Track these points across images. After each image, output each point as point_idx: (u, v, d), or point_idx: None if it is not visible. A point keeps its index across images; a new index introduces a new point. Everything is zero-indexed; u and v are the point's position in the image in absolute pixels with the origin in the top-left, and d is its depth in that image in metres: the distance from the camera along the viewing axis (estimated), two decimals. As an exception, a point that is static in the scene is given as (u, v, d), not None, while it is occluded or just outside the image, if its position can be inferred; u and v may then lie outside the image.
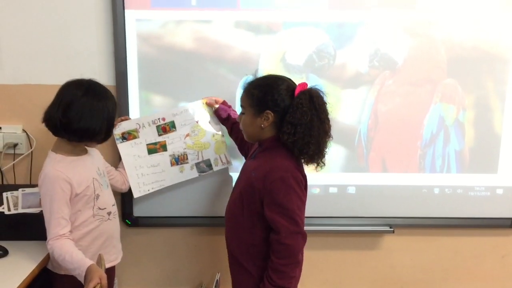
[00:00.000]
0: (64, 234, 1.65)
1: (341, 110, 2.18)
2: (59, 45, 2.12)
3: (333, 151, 2.19)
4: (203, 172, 2.09)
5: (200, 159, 2.08)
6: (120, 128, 2.01)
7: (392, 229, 2.30)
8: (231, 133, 2.06)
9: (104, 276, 1.55)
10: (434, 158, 2.24)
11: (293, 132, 1.58)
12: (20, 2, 2.08)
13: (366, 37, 2.12)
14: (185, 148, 2.06)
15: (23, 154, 2.18)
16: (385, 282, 2.46)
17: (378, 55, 2.14)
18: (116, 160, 2.14)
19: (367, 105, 2.18)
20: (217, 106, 2.06)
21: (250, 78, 1.74)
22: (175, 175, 2.07)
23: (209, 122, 2.08)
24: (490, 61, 2.17)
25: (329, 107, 1.65)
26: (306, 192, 1.70)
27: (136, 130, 2.03)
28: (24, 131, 2.16)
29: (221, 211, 2.07)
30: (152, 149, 2.04)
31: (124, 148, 2.02)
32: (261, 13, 2.09)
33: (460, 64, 2.16)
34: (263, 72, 2.09)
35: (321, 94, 1.63)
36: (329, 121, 1.65)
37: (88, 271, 1.55)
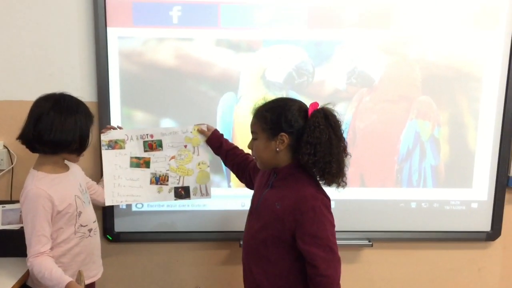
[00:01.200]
0: (45, 251, 1.65)
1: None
2: (41, 61, 2.13)
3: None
4: (180, 198, 2.06)
5: (180, 184, 2.05)
6: (108, 136, 2.00)
7: (370, 243, 2.33)
8: (226, 162, 1.99)
9: None
10: (411, 172, 2.29)
11: (313, 152, 1.52)
12: (2, 18, 2.09)
13: (343, 55, 2.18)
14: (167, 170, 2.04)
15: (3, 170, 2.17)
16: (365, 296, 2.49)
17: (356, 73, 2.20)
18: (98, 174, 2.16)
19: (345, 121, 2.23)
20: (208, 134, 2.00)
21: (259, 103, 1.68)
22: (151, 194, 2.04)
23: (198, 150, 2.04)
24: (463, 79, 2.24)
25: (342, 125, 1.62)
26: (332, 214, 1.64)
27: (123, 141, 2.01)
28: (5, 147, 2.16)
29: (203, 226, 2.10)
30: (135, 163, 2.02)
31: (107, 155, 2.00)
32: (241, 31, 2.14)
33: (434, 82, 2.22)
34: (244, 89, 2.15)
35: (335, 113, 1.60)
36: (344, 139, 1.61)
37: (72, 286, 1.55)
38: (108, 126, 2.04)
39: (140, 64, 2.13)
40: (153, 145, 2.03)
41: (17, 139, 1.71)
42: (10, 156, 2.16)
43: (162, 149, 2.03)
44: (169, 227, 2.26)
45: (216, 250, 2.37)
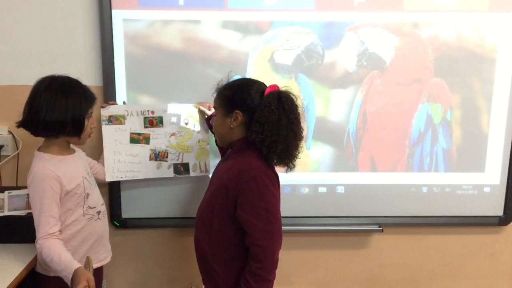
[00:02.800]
0: (54, 233, 1.64)
1: (330, 109, 2.19)
2: (45, 45, 2.10)
3: (322, 151, 2.21)
4: (179, 174, 2.08)
5: (180, 161, 2.07)
6: (108, 111, 2.00)
7: (381, 228, 2.31)
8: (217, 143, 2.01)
9: (92, 278, 1.54)
10: (422, 157, 2.25)
11: (261, 131, 1.57)
12: (5, 3, 2.06)
13: (354, 36, 2.13)
14: (167, 146, 2.05)
15: (9, 155, 2.15)
16: (375, 281, 2.47)
17: (366, 55, 2.15)
18: (98, 154, 2.14)
19: (356, 104, 2.19)
20: (209, 112, 2.04)
21: (223, 81, 1.75)
22: (151, 169, 2.06)
23: (198, 127, 2.08)
24: (476, 61, 2.19)
25: (301, 110, 1.65)
26: (279, 190, 1.68)
27: (123, 116, 2.01)
28: (10, 132, 2.14)
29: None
30: (135, 139, 2.03)
31: (107, 130, 2.01)
32: (249, 13, 2.09)
33: (447, 64, 2.17)
34: (251, 72, 2.11)
35: (291, 96, 1.63)
36: (299, 123, 1.64)
37: (75, 274, 1.53)
38: (110, 102, 2.04)
39: (146, 47, 2.09)
40: (153, 122, 2.04)
41: (16, 124, 1.70)
42: (16, 141, 2.14)
43: (162, 126, 2.04)
44: (176, 213, 2.24)
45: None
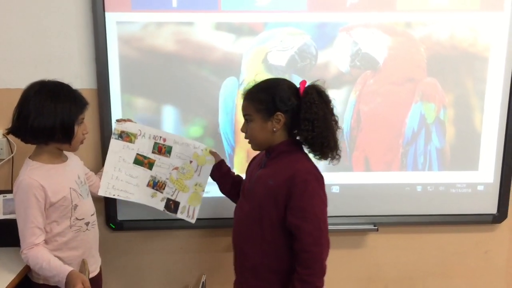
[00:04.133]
0: (39, 243, 1.63)
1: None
2: (39, 49, 2.10)
3: (317, 151, 2.21)
4: (168, 210, 2.03)
5: (173, 197, 2.02)
6: (122, 126, 1.97)
7: (376, 227, 2.31)
8: (224, 187, 1.96)
9: (86, 280, 1.53)
10: (416, 156, 2.26)
11: (312, 128, 1.55)
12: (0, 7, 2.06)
13: (347, 37, 2.14)
14: (167, 179, 2.00)
15: (3, 159, 2.15)
16: (370, 280, 2.48)
17: (359, 55, 2.16)
18: (98, 165, 2.13)
19: (349, 104, 2.19)
20: (217, 159, 1.96)
21: (250, 85, 1.70)
22: (144, 196, 2.02)
23: (200, 170, 1.98)
24: (469, 60, 2.20)
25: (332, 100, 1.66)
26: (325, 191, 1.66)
27: (135, 135, 1.98)
28: (4, 136, 2.13)
29: (206, 213, 2.08)
30: (140, 161, 1.99)
31: (115, 145, 1.97)
32: (242, 15, 2.09)
33: (439, 63, 2.19)
34: (246, 73, 2.12)
35: (323, 89, 1.64)
36: (334, 113, 1.65)
37: (69, 277, 1.52)
38: (127, 118, 2.01)
39: (140, 50, 2.09)
40: (162, 149, 1.99)
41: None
42: (10, 145, 2.14)
43: (169, 157, 1.99)
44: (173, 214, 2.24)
45: (220, 237, 2.35)
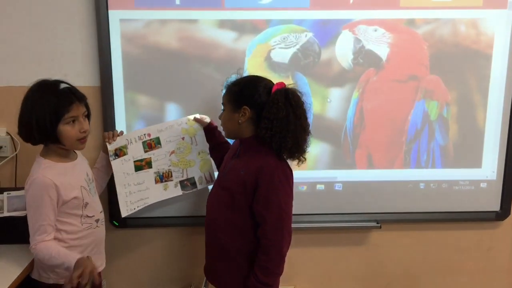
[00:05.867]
0: (50, 240, 1.64)
1: (327, 107, 2.19)
2: (42, 46, 2.10)
3: (320, 148, 2.22)
4: (186, 190, 2.06)
5: (185, 177, 2.05)
6: (113, 144, 1.95)
7: (379, 225, 2.32)
8: (213, 152, 2.06)
9: (94, 266, 1.54)
10: (419, 153, 2.26)
11: (270, 127, 1.64)
12: (2, 4, 2.06)
13: (350, 34, 2.14)
14: (169, 166, 2.03)
15: (7, 157, 2.15)
16: (373, 278, 2.48)
17: (362, 52, 2.16)
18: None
19: (353, 102, 2.20)
20: (205, 122, 2.04)
21: (234, 77, 1.80)
22: (159, 192, 2.03)
23: (196, 140, 2.05)
24: (472, 57, 2.20)
25: (306, 106, 1.71)
26: (292, 187, 1.76)
27: (125, 146, 1.97)
28: (8, 133, 2.14)
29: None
30: (139, 166, 1.99)
31: (116, 165, 1.95)
32: (245, 12, 2.09)
33: (442, 60, 2.18)
34: (249, 70, 2.12)
35: (298, 93, 1.70)
36: (306, 118, 1.71)
37: (77, 264, 1.54)
38: (109, 133, 1.95)
39: (143, 47, 2.10)
40: (152, 144, 2.00)
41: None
42: (14, 143, 2.14)
43: (161, 146, 2.01)
44: (176, 211, 2.25)
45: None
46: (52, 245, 1.62)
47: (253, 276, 1.71)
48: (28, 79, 2.04)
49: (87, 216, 1.75)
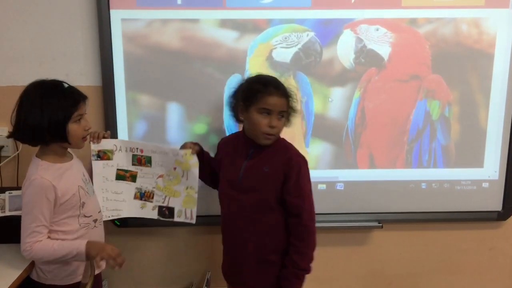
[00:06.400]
0: (42, 240, 1.63)
1: (329, 107, 2.19)
2: (44, 46, 2.11)
3: (321, 148, 2.22)
4: (163, 217, 1.97)
5: (165, 204, 1.96)
6: (97, 146, 1.87)
7: (380, 225, 2.31)
8: (202, 175, 1.93)
9: (108, 246, 1.60)
10: (421, 153, 2.26)
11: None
12: (3, 4, 2.06)
13: (351, 34, 2.14)
14: (154, 187, 1.95)
15: (9, 156, 2.16)
16: (375, 277, 2.48)
17: (364, 52, 2.15)
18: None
19: (354, 101, 2.19)
20: (197, 149, 1.91)
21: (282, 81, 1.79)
22: (134, 208, 1.96)
23: (187, 174, 1.91)
24: (474, 57, 2.19)
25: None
26: None
27: (111, 151, 1.90)
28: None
29: (212, 209, 2.07)
30: (121, 175, 1.93)
31: (96, 166, 1.88)
32: (247, 12, 2.09)
33: (444, 60, 2.18)
34: (250, 70, 2.12)
35: None
36: None
37: (89, 248, 1.57)
38: (95, 132, 1.87)
39: (145, 47, 2.10)
40: (142, 160, 1.93)
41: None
42: (16, 142, 2.15)
43: (150, 166, 1.93)
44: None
45: (224, 234, 2.36)
46: (49, 241, 1.61)
47: (291, 264, 1.72)
48: (29, 79, 2.04)
49: (85, 216, 1.73)
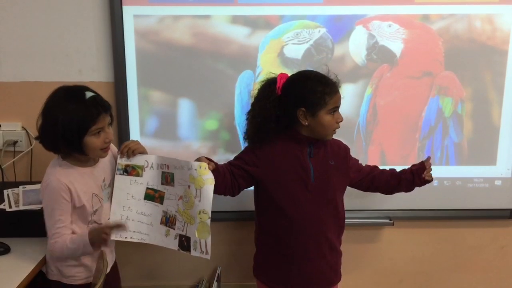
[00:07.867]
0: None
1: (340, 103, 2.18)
2: (57, 42, 2.12)
3: (332, 145, 2.21)
4: (182, 249, 1.70)
5: (184, 233, 1.69)
6: (127, 160, 1.71)
7: (391, 222, 2.31)
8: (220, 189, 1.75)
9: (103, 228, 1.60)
10: (433, 150, 2.24)
11: None
12: (17, 1, 2.08)
13: (364, 30, 2.13)
14: (176, 211, 1.70)
15: (23, 151, 2.18)
16: (385, 275, 2.48)
17: (376, 48, 2.14)
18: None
19: (366, 98, 2.18)
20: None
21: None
22: (159, 235, 1.74)
23: (199, 193, 1.63)
24: (487, 54, 2.17)
25: None
26: None
27: (142, 168, 1.71)
28: (23, 128, 2.17)
29: (220, 205, 2.08)
30: (151, 195, 1.73)
31: (120, 181, 1.72)
32: (258, 8, 2.09)
33: (457, 56, 2.16)
34: (262, 66, 2.12)
35: None
36: None
37: (92, 238, 1.57)
38: (127, 146, 1.71)
39: (157, 43, 2.11)
40: (168, 178, 1.70)
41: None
42: (29, 137, 2.17)
43: (173, 185, 1.69)
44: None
45: (234, 230, 2.37)
46: (63, 237, 1.61)
47: (417, 177, 1.90)
48: (43, 75, 2.08)
49: (95, 222, 1.72)
